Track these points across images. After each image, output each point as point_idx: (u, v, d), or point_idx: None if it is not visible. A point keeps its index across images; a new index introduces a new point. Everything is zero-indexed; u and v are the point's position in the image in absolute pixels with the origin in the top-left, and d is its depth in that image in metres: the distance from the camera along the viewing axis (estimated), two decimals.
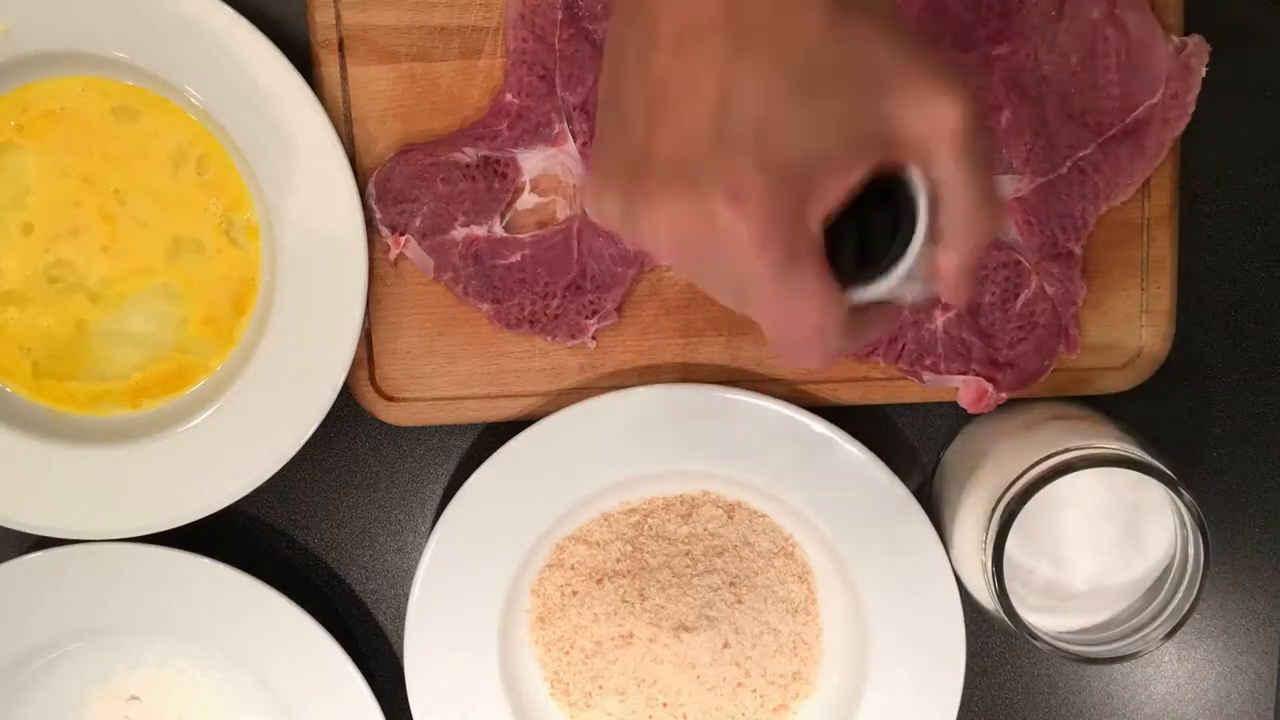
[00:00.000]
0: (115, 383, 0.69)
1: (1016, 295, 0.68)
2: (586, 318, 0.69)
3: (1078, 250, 0.68)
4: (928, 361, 0.69)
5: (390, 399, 0.71)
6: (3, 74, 0.65)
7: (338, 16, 0.67)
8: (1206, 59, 0.66)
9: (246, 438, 0.68)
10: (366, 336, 0.70)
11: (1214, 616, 0.75)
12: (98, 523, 0.69)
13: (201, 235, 0.68)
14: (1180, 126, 0.67)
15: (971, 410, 0.70)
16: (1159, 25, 0.66)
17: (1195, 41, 0.66)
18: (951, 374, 0.69)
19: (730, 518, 0.73)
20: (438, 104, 0.68)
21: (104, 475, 0.68)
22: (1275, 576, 0.75)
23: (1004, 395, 0.69)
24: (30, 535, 0.69)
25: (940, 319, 0.69)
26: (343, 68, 0.67)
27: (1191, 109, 0.67)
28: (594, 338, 0.70)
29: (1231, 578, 0.75)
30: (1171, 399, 0.74)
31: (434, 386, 0.71)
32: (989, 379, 0.69)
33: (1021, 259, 0.68)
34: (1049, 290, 0.68)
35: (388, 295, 0.69)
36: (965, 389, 0.69)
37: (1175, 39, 0.66)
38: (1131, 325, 0.71)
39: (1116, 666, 0.75)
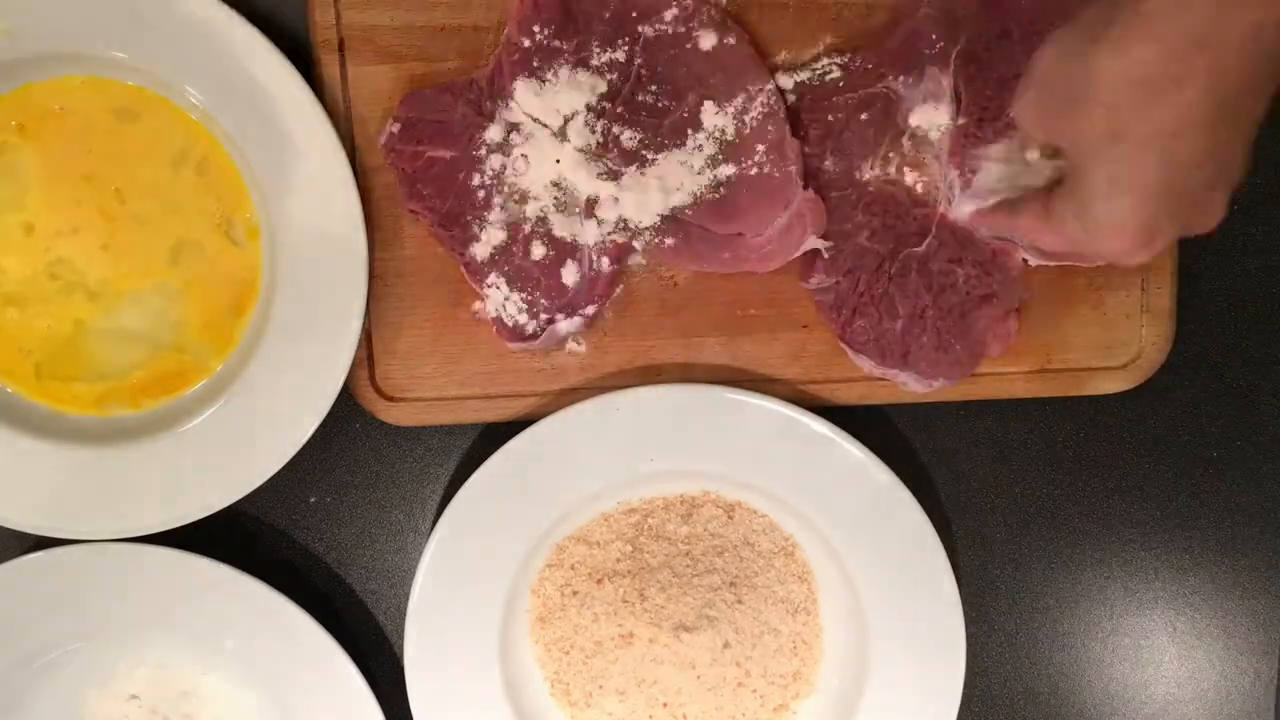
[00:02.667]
0: (116, 382, 0.69)
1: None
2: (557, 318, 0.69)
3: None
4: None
5: (390, 399, 0.71)
6: (3, 74, 0.65)
7: (338, 16, 0.67)
8: None
9: (246, 438, 0.68)
10: (366, 336, 0.70)
11: (1214, 616, 0.75)
12: (98, 523, 0.68)
13: (201, 235, 0.68)
14: None
15: (998, 353, 0.70)
16: None
17: None
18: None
19: (730, 518, 0.73)
20: None
21: (104, 475, 0.68)
22: (1275, 576, 0.75)
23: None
24: (30, 535, 0.69)
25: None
26: (343, 68, 0.67)
27: None
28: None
29: (1231, 578, 0.75)
30: (1171, 399, 0.74)
31: (434, 386, 0.71)
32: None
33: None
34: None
35: (388, 295, 0.69)
36: (995, 341, 0.70)
37: None
38: (1132, 325, 0.71)
39: (1116, 666, 0.75)
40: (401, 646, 0.72)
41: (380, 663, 0.75)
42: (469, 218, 0.68)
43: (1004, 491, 0.74)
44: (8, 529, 0.69)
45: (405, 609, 0.70)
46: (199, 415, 0.69)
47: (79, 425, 0.69)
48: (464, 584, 0.71)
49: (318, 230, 0.66)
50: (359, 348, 0.68)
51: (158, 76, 0.65)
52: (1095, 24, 0.51)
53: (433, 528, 0.71)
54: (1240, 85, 0.50)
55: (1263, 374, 0.74)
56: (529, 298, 0.68)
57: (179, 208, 0.68)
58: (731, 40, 0.66)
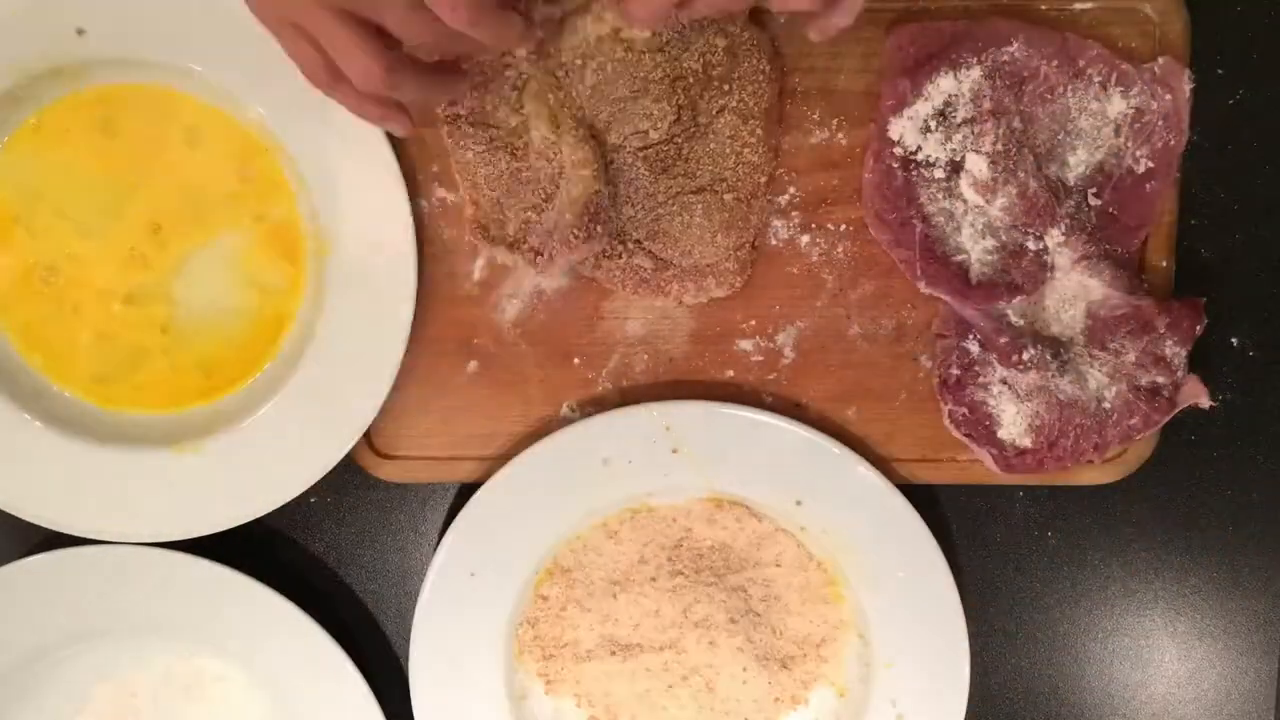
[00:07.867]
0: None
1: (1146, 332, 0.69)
2: None
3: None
4: (1135, 422, 0.69)
5: (384, 456, 0.71)
6: (78, 74, 0.66)
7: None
8: (1185, 77, 0.67)
9: (273, 457, 0.69)
10: None
11: (1214, 616, 0.75)
12: (113, 525, 0.69)
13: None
14: (1180, 146, 0.68)
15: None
16: (1134, 72, 0.67)
17: (1164, 63, 0.67)
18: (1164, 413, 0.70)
19: (742, 529, 0.73)
20: None
21: (118, 478, 0.68)
22: (1275, 576, 0.75)
23: None
24: (32, 536, 0.69)
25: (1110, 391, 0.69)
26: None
27: (1185, 127, 0.68)
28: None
29: (1232, 578, 0.75)
30: None
31: (429, 446, 0.71)
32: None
33: (1142, 305, 0.69)
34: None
35: None
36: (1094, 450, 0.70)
37: (1154, 66, 0.67)
38: None
39: (1116, 666, 0.75)
40: (401, 646, 0.72)
41: (381, 663, 0.75)
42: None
43: (1004, 492, 0.74)
44: (9, 530, 0.70)
45: (406, 608, 0.71)
46: (233, 426, 0.69)
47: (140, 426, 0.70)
48: (470, 595, 0.71)
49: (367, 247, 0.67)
50: None
51: (224, 91, 0.66)
52: None
53: (436, 546, 0.71)
54: None
55: (1263, 374, 0.74)
56: None
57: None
58: None
